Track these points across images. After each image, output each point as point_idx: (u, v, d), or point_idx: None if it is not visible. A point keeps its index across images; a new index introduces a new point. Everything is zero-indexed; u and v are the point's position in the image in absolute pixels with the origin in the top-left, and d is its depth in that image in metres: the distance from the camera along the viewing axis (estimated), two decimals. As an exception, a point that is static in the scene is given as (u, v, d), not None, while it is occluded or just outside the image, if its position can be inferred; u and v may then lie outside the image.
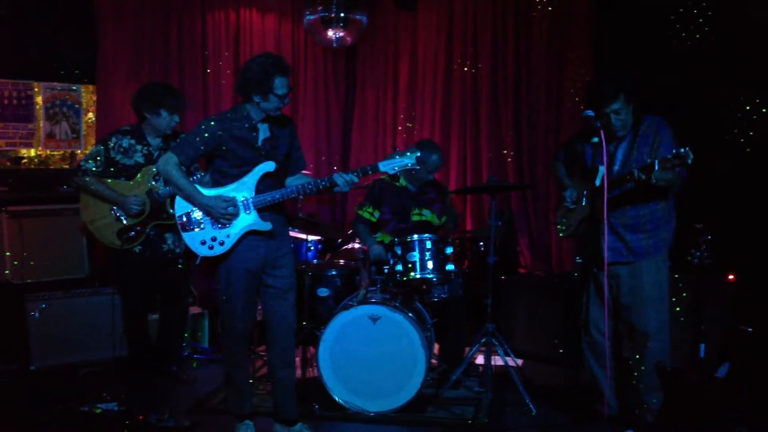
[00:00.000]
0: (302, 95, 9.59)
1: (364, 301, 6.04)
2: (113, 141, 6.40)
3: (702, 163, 4.88)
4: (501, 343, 6.31)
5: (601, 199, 5.01)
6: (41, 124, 8.14)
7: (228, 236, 5.11)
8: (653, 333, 5.33)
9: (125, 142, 6.40)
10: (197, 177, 6.08)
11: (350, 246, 8.00)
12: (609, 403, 5.44)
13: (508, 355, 6.32)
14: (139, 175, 6.39)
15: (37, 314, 6.88)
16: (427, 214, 6.75)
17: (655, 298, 5.36)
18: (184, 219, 5.17)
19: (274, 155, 5.19)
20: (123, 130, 6.50)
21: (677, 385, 5.29)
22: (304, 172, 5.55)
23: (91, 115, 8.41)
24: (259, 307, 6.50)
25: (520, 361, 6.75)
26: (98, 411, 5.68)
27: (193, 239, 5.16)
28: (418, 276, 6.19)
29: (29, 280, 7.09)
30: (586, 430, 5.72)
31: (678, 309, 6.04)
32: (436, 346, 6.77)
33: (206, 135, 5.05)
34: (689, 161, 4.72)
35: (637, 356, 5.40)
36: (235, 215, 5.10)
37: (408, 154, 5.15)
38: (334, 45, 9.24)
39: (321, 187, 5.19)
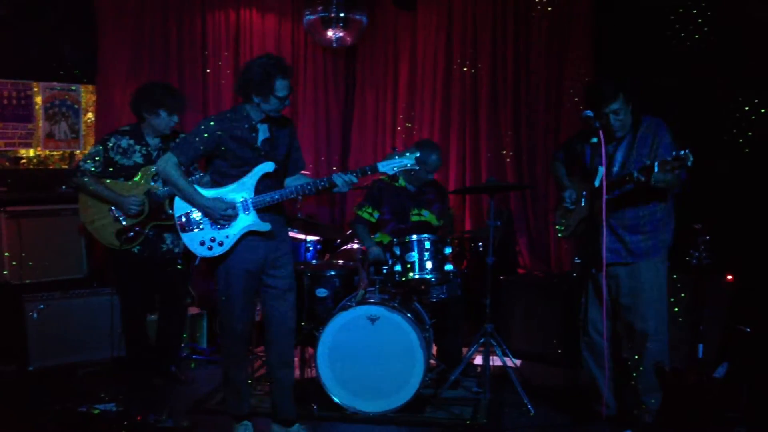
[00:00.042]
0: (302, 95, 9.59)
1: (363, 302, 6.04)
2: (112, 141, 6.39)
3: (701, 164, 4.87)
4: (499, 344, 6.30)
5: (600, 199, 5.01)
6: (40, 124, 8.14)
7: (227, 237, 5.11)
8: (652, 333, 5.33)
9: (124, 143, 6.40)
10: (196, 177, 6.08)
11: (349, 246, 8.01)
12: (607, 404, 5.45)
13: (507, 356, 6.32)
14: (138, 176, 6.38)
15: (35, 314, 6.88)
16: (426, 215, 6.75)
17: (654, 299, 5.36)
18: (183, 219, 5.17)
19: (274, 156, 5.19)
20: (122, 130, 6.49)
21: (676, 386, 5.29)
22: (303, 172, 5.55)
23: (90, 115, 8.41)
24: (258, 308, 6.54)
25: (518, 362, 6.76)
26: (96, 411, 5.67)
27: (192, 240, 5.16)
28: (416, 276, 6.19)
29: (28, 281, 7.09)
30: (585, 430, 5.71)
31: (676, 309, 6.05)
32: (435, 347, 6.76)
33: (206, 135, 5.05)
34: (689, 163, 4.72)
35: (636, 357, 5.40)
36: (234, 217, 5.09)
37: (407, 154, 5.14)
38: (334, 45, 9.25)
39: (320, 187, 5.18)
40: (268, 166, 5.12)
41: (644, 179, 4.95)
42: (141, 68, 8.51)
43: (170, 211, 6.21)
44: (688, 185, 5.27)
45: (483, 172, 8.90)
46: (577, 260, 6.00)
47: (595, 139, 5.06)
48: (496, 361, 6.37)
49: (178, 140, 6.10)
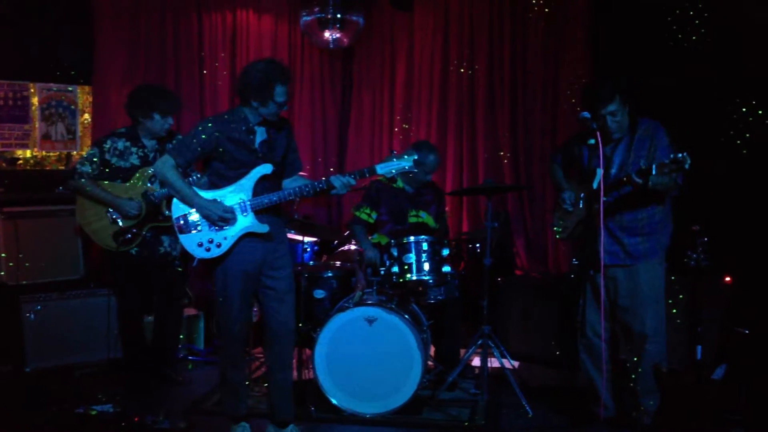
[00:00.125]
0: (298, 96, 9.57)
1: (360, 303, 6.03)
2: (108, 144, 6.38)
3: (699, 165, 4.88)
4: (497, 345, 6.30)
5: (598, 201, 5.01)
6: (37, 125, 8.13)
7: (225, 238, 5.10)
8: (650, 335, 5.33)
9: (120, 145, 6.39)
10: (194, 179, 6.07)
11: (346, 248, 8.00)
12: (606, 405, 5.45)
13: (505, 357, 6.32)
14: (135, 177, 6.38)
15: (32, 315, 6.86)
16: (424, 216, 6.74)
17: (652, 301, 5.37)
18: (181, 221, 5.16)
19: (271, 158, 5.18)
20: (118, 132, 6.48)
21: (674, 387, 5.29)
22: (300, 174, 5.55)
23: (87, 116, 8.40)
24: (255, 309, 6.54)
25: (516, 363, 6.76)
26: (94, 412, 5.68)
27: (190, 241, 5.15)
28: (414, 278, 6.17)
29: (24, 282, 7.07)
30: (583, 432, 5.73)
31: (675, 311, 6.05)
32: (432, 348, 6.75)
33: (203, 137, 5.04)
34: (686, 166, 4.72)
35: (634, 358, 5.40)
36: (232, 219, 5.09)
37: (405, 156, 5.14)
38: (331, 46, 9.23)
39: (318, 189, 5.18)
40: (265, 168, 5.12)
41: (641, 182, 4.95)
42: (137, 69, 8.51)
43: (167, 213, 6.21)
44: (685, 188, 5.27)
45: (480, 173, 8.90)
46: (575, 262, 6.00)
47: (592, 141, 5.07)
48: (493, 362, 6.36)
49: (175, 142, 6.12)
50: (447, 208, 7.73)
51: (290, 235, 7.43)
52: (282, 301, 5.26)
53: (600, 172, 5.04)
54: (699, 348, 5.20)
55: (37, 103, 8.14)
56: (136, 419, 5.60)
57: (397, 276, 6.19)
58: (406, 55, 9.42)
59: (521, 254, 8.72)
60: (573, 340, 5.81)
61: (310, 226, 7.81)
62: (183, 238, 5.17)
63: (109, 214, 6.34)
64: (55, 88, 8.24)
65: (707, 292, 5.42)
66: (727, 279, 6.26)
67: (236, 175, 5.12)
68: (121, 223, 6.33)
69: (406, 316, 5.94)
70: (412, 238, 6.21)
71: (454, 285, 6.63)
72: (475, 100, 8.98)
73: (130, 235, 6.35)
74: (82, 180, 6.31)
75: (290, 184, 5.35)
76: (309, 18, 9.05)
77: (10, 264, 7.05)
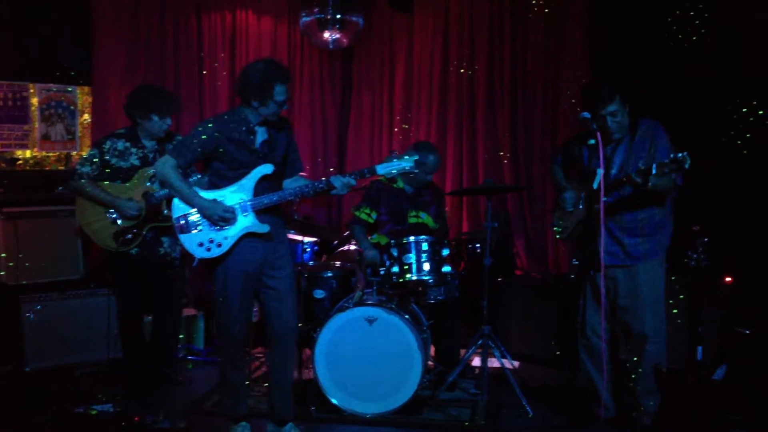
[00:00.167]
0: (298, 97, 9.57)
1: (360, 303, 6.03)
2: (108, 144, 6.39)
3: (699, 165, 4.88)
4: (497, 345, 6.30)
5: (599, 201, 5.01)
6: (36, 126, 8.13)
7: (225, 238, 5.10)
8: (650, 336, 5.33)
9: (120, 145, 6.39)
10: (195, 179, 6.07)
11: (346, 248, 7.99)
12: (606, 406, 5.45)
13: (505, 357, 6.32)
14: (134, 178, 6.38)
15: (32, 315, 6.86)
16: (424, 217, 6.74)
17: (652, 301, 5.36)
18: (182, 221, 5.17)
19: (272, 158, 5.19)
20: (117, 133, 6.49)
21: (675, 387, 5.29)
22: (300, 174, 5.55)
23: (86, 116, 8.40)
24: (255, 309, 6.53)
25: (516, 363, 6.75)
26: (94, 412, 5.68)
27: (190, 241, 5.15)
28: (414, 278, 6.17)
29: (24, 282, 7.07)
30: (583, 432, 5.73)
31: (675, 311, 6.05)
32: (433, 348, 6.75)
33: (203, 137, 5.05)
34: (686, 166, 4.72)
35: (635, 358, 5.40)
36: (233, 219, 5.09)
37: (406, 157, 5.15)
38: (330, 47, 9.23)
39: (318, 189, 5.19)
40: (266, 168, 5.12)
41: (641, 181, 4.95)
42: (137, 70, 8.51)
43: (167, 212, 6.23)
44: (686, 188, 5.27)
45: (480, 173, 8.89)
46: (575, 262, 5.99)
47: (592, 141, 5.07)
48: (494, 362, 6.36)
49: (175, 142, 6.13)
50: (447, 209, 7.73)
51: (290, 236, 7.44)
52: (283, 301, 5.27)
53: (600, 172, 5.03)
54: (699, 348, 5.21)
55: (36, 104, 8.14)
56: (136, 419, 5.60)
57: (397, 276, 6.18)
58: (406, 56, 9.42)
59: (521, 254, 8.72)
60: (573, 341, 5.80)
61: (310, 227, 7.82)
62: (183, 238, 5.17)
63: (109, 215, 6.34)
64: (54, 89, 8.24)
65: (707, 292, 5.42)
66: (728, 279, 6.26)
67: (236, 176, 5.12)
68: (121, 224, 6.33)
69: (406, 316, 5.94)
70: (412, 238, 6.20)
71: (454, 285, 6.63)
72: (475, 100, 8.96)
73: (130, 236, 6.35)
74: (82, 181, 6.31)
75: (291, 184, 5.36)
76: (308, 18, 9.04)
77: (10, 264, 7.04)
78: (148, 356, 6.69)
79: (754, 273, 6.34)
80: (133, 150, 6.41)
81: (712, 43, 6.78)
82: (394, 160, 5.16)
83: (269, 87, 4.98)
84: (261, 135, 5.19)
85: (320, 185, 5.18)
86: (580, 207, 5.50)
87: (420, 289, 6.36)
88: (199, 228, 5.14)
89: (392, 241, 6.27)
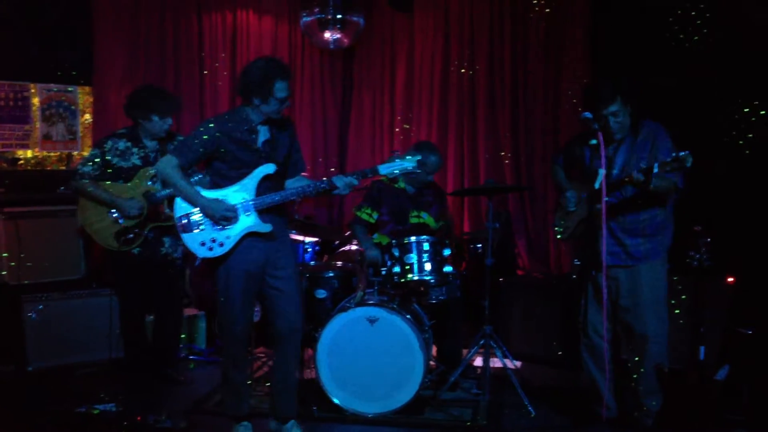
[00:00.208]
0: (299, 97, 9.57)
1: (362, 303, 6.03)
2: (109, 144, 6.39)
3: (701, 165, 4.88)
4: (499, 345, 6.30)
5: (600, 201, 5.01)
6: (38, 126, 8.14)
7: (227, 238, 5.11)
8: (652, 336, 5.33)
9: (121, 145, 6.40)
10: (197, 178, 6.07)
11: (347, 248, 8.00)
12: (608, 406, 5.45)
13: (506, 357, 6.32)
14: (136, 178, 6.38)
15: (34, 315, 6.86)
16: (425, 217, 6.74)
17: (654, 301, 5.36)
18: (184, 221, 5.17)
19: (274, 157, 5.19)
20: (119, 133, 6.50)
21: (677, 388, 5.29)
22: (302, 174, 5.55)
23: (87, 116, 8.40)
24: (257, 309, 6.54)
25: (518, 363, 6.75)
26: (95, 412, 5.70)
27: (192, 240, 5.15)
28: (415, 278, 6.17)
29: (26, 281, 7.07)
30: (585, 432, 5.73)
31: (677, 311, 6.05)
32: (434, 348, 6.75)
33: (205, 138, 5.05)
34: (688, 164, 4.72)
35: (636, 359, 5.40)
36: (235, 218, 5.09)
37: (408, 157, 5.16)
38: (331, 47, 9.24)
39: (320, 189, 5.20)
40: (268, 168, 5.13)
41: (643, 179, 4.94)
42: (137, 69, 8.52)
43: (168, 211, 6.25)
44: (687, 188, 5.27)
45: (481, 173, 8.89)
46: (576, 262, 5.99)
47: (594, 141, 5.06)
48: (495, 362, 6.37)
49: (177, 142, 6.14)
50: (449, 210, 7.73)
51: (291, 236, 7.44)
52: (288, 302, 5.27)
53: (602, 172, 5.03)
54: (701, 348, 5.21)
55: (37, 104, 8.14)
56: (137, 419, 5.61)
57: (399, 276, 6.19)
58: (407, 56, 9.42)
59: (523, 254, 8.72)
60: (575, 341, 5.80)
61: (311, 227, 7.82)
62: (186, 238, 5.17)
63: (110, 214, 6.34)
64: (55, 89, 8.25)
65: (710, 292, 5.42)
66: (730, 279, 6.25)
67: (239, 175, 5.13)
68: (122, 223, 6.33)
69: (408, 316, 5.94)
70: (413, 239, 6.21)
71: (456, 285, 6.62)
72: (476, 100, 8.97)
73: (132, 235, 6.36)
74: (84, 181, 6.32)
75: (293, 184, 5.36)
76: (309, 19, 9.05)
77: (12, 264, 7.05)
78: (149, 356, 6.70)
79: (756, 273, 6.34)
80: (135, 150, 6.41)
81: (714, 42, 6.79)
82: (397, 160, 5.17)
83: (270, 83, 4.99)
84: (263, 134, 5.19)
85: (322, 185, 5.18)
86: (582, 207, 5.50)
87: (422, 289, 6.37)
88: (202, 227, 5.14)
89: (394, 241, 6.27)
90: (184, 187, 5.11)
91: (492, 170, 8.82)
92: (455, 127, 9.07)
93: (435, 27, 9.17)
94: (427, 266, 6.18)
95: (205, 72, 9.06)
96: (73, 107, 8.34)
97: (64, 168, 8.19)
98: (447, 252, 6.27)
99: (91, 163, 6.34)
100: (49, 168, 8.23)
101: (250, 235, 5.14)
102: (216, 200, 5.09)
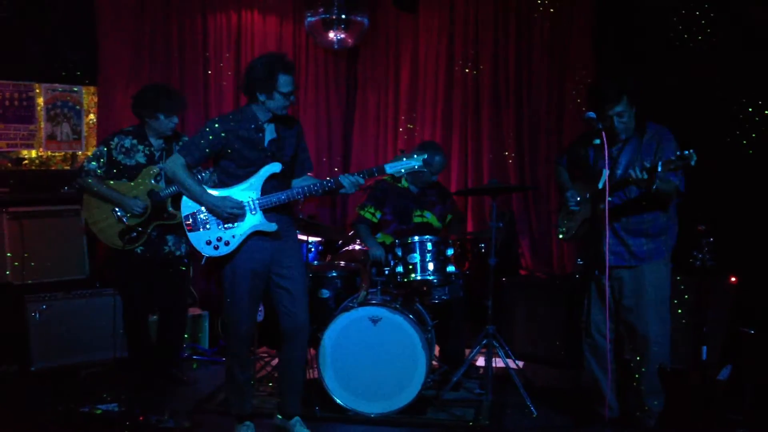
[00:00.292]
0: (303, 96, 9.57)
1: (365, 303, 6.04)
2: (115, 141, 6.42)
3: (704, 165, 4.86)
4: (502, 345, 6.30)
5: (604, 202, 5.00)
6: (42, 126, 8.15)
7: (233, 237, 5.13)
8: (654, 336, 5.32)
9: (127, 142, 6.42)
10: (206, 175, 6.08)
11: (351, 247, 8.00)
12: (610, 406, 5.45)
13: (509, 357, 6.31)
14: (140, 176, 6.39)
15: (37, 315, 6.88)
16: (429, 216, 6.74)
17: (657, 302, 5.36)
18: (191, 220, 5.19)
19: (281, 156, 5.21)
20: (125, 130, 6.53)
21: (679, 388, 5.28)
22: (308, 174, 5.56)
23: (92, 116, 8.42)
24: (261, 308, 6.54)
25: (520, 363, 6.74)
26: (99, 412, 5.70)
27: (198, 239, 5.18)
28: (418, 278, 6.18)
29: (30, 281, 7.10)
30: (587, 432, 5.72)
31: (680, 311, 6.04)
32: (437, 348, 6.75)
33: (210, 137, 5.07)
34: (692, 163, 4.71)
35: (639, 358, 5.39)
36: (241, 216, 5.10)
37: (415, 156, 5.17)
38: (335, 47, 9.23)
39: (327, 188, 5.21)
40: (274, 167, 5.14)
41: (647, 178, 4.92)
42: (142, 69, 8.51)
43: (171, 209, 6.27)
44: (690, 188, 5.26)
45: (485, 173, 8.88)
46: (579, 262, 5.99)
47: (597, 141, 5.04)
48: (498, 362, 6.37)
49: (183, 142, 6.15)
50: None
51: (295, 235, 7.46)
52: (295, 301, 5.30)
53: (606, 172, 5.02)
54: (704, 348, 5.20)
55: (42, 104, 8.15)
56: (141, 418, 5.62)
57: (402, 276, 6.20)
58: (411, 56, 9.41)
59: (526, 254, 8.71)
60: (578, 341, 5.80)
61: (314, 226, 7.82)
62: (192, 236, 5.20)
63: (114, 213, 6.35)
64: (60, 89, 8.26)
65: (712, 292, 5.43)
66: (733, 279, 6.24)
67: (245, 174, 5.15)
68: (126, 221, 6.34)
69: (411, 316, 5.94)
70: (416, 238, 6.22)
71: (459, 285, 6.63)
72: (480, 100, 8.95)
73: (135, 234, 6.37)
74: (89, 179, 6.34)
75: (300, 183, 5.38)
76: (313, 19, 9.05)
77: (16, 264, 7.07)
78: (153, 355, 6.70)
79: (759, 273, 6.32)
80: (140, 147, 6.43)
81: (717, 42, 6.77)
82: (403, 159, 5.18)
83: (273, 77, 5.01)
84: (270, 133, 5.21)
85: (328, 184, 5.19)
86: (586, 207, 5.49)
87: (424, 288, 6.38)
88: (208, 226, 5.17)
89: (397, 241, 6.28)
90: (190, 186, 5.13)
91: (496, 170, 8.80)
92: (459, 127, 9.06)
93: (440, 27, 9.16)
94: (430, 266, 6.19)
95: (210, 72, 9.05)
96: (77, 107, 8.36)
97: (68, 168, 8.22)
98: (450, 252, 6.27)
99: (96, 161, 6.37)
100: (53, 168, 8.25)
101: (255, 234, 5.16)
102: (222, 198, 5.11)
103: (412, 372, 5.84)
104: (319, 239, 8.08)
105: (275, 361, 6.80)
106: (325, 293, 6.52)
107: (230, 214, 5.07)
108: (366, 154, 9.70)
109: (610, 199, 5.02)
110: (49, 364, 6.89)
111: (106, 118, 8.29)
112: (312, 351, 6.30)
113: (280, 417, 5.56)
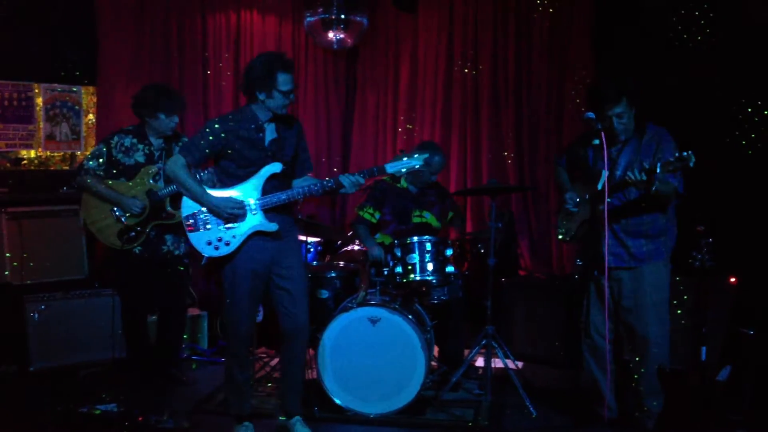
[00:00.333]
0: (302, 96, 9.56)
1: (364, 303, 6.04)
2: (115, 140, 6.45)
3: (704, 166, 4.87)
4: (501, 346, 6.30)
5: (603, 202, 5.00)
6: (41, 126, 8.15)
7: (234, 237, 5.13)
8: (654, 337, 5.32)
9: (127, 141, 6.43)
10: (201, 176, 6.07)
11: (350, 248, 7.99)
12: (609, 406, 5.45)
13: (508, 358, 6.31)
14: (138, 175, 6.39)
15: (36, 315, 6.87)
16: (428, 216, 6.75)
17: (656, 303, 5.36)
18: (191, 220, 5.20)
19: (281, 156, 5.21)
20: (126, 129, 6.55)
21: (678, 388, 5.28)
22: (308, 174, 5.56)
23: (91, 116, 8.42)
24: (259, 309, 6.54)
25: (520, 364, 6.74)
26: (98, 412, 5.70)
27: (199, 239, 5.19)
28: (417, 278, 6.18)
29: (29, 281, 7.10)
30: (586, 432, 5.72)
31: (679, 311, 6.04)
32: (436, 348, 6.75)
33: (210, 138, 5.08)
34: (691, 164, 4.71)
35: (638, 359, 5.39)
36: (242, 216, 5.10)
37: (415, 156, 5.16)
38: (335, 47, 9.22)
39: (327, 188, 5.21)
40: (275, 167, 5.15)
41: (646, 179, 4.92)
42: (141, 69, 8.50)
43: (169, 209, 6.28)
44: (690, 188, 5.26)
45: (484, 173, 8.87)
46: (579, 263, 5.98)
47: (597, 141, 5.04)
48: (497, 363, 6.38)
49: (183, 142, 6.15)
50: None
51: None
52: (294, 302, 5.31)
53: (605, 173, 5.02)
54: (703, 349, 5.18)
55: (41, 104, 8.15)
56: (140, 419, 5.62)
57: (401, 276, 6.20)
58: (410, 56, 9.40)
59: (525, 255, 8.70)
60: (577, 341, 5.80)
61: (313, 226, 7.81)
62: (192, 237, 5.20)
63: (113, 212, 6.35)
64: (59, 89, 8.26)
65: (712, 292, 5.42)
66: (732, 280, 6.24)
67: (246, 174, 5.16)
68: (125, 221, 6.34)
69: (410, 317, 5.94)
70: (415, 239, 6.22)
71: (458, 285, 6.63)
72: (479, 100, 8.94)
73: (134, 233, 6.37)
74: (88, 178, 6.35)
75: (300, 183, 5.38)
76: (313, 19, 9.04)
77: (15, 264, 7.08)
78: (152, 356, 6.70)
79: (759, 273, 6.32)
80: (140, 146, 6.44)
81: (717, 43, 6.77)
82: (404, 158, 5.18)
83: (272, 76, 5.01)
84: (270, 133, 5.21)
85: (329, 184, 5.20)
86: (585, 207, 5.49)
87: (424, 289, 6.38)
88: (208, 226, 5.17)
89: (396, 241, 6.28)
90: (191, 186, 5.13)
91: (495, 170, 8.78)
92: (458, 127, 9.05)
93: (439, 27, 9.14)
94: (430, 266, 6.19)
95: (209, 72, 9.05)
96: (76, 107, 8.36)
97: (67, 168, 8.22)
98: (449, 252, 6.27)
99: (95, 159, 6.37)
100: (52, 168, 8.25)
101: (256, 234, 5.16)
102: (223, 198, 5.11)
103: (411, 372, 5.84)
104: (318, 239, 8.07)
105: (274, 362, 6.81)
106: (324, 293, 6.53)
107: (231, 214, 5.07)
108: (365, 154, 9.69)
109: (609, 200, 5.02)
110: (48, 364, 6.89)
111: (105, 118, 8.29)
112: (311, 351, 6.30)
113: (281, 419, 5.55)
